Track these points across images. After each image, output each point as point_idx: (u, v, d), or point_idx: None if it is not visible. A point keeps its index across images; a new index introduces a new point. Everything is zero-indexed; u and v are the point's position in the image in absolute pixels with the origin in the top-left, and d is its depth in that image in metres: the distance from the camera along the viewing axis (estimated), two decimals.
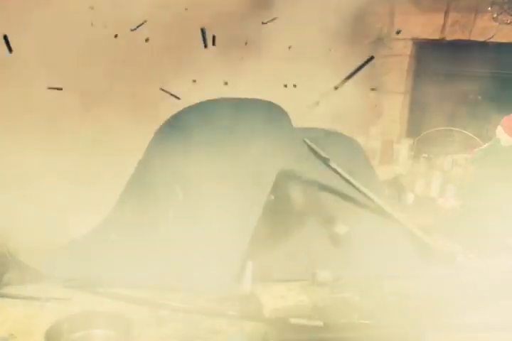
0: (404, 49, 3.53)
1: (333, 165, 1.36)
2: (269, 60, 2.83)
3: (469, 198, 1.49)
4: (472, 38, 3.24)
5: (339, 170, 1.34)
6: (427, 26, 3.41)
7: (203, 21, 2.63)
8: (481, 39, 3.20)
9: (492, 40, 3.16)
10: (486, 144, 1.47)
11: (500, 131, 1.73)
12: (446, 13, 3.32)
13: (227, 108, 1.46)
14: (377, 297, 1.24)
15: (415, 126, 3.67)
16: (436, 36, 3.38)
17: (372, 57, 1.31)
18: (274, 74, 2.80)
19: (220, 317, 1.67)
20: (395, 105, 3.64)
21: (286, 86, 2.98)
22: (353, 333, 1.19)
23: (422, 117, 3.71)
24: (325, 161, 1.35)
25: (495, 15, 3.12)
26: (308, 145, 1.36)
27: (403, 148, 2.86)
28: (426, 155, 2.98)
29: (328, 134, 1.47)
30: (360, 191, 1.31)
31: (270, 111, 1.43)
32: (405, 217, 1.38)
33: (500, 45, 3.18)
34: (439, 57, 3.52)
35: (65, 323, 1.59)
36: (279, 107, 1.44)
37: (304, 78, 2.81)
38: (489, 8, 3.13)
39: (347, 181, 1.33)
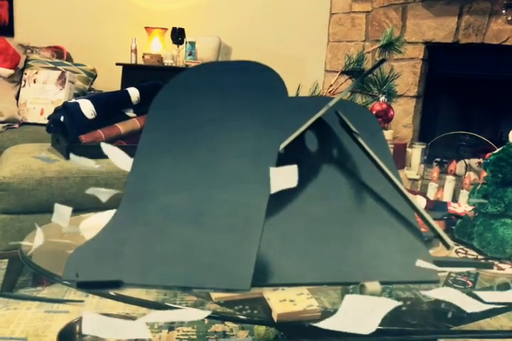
0: (416, 52, 3.52)
1: (361, 141, 1.27)
2: None
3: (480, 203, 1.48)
4: (486, 42, 3.21)
5: (366, 146, 1.24)
6: (440, 30, 3.39)
7: None
8: (495, 42, 3.17)
9: (506, 43, 3.12)
10: (499, 149, 1.45)
11: None
12: (460, 16, 3.30)
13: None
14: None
15: (428, 130, 3.65)
16: (449, 40, 3.36)
17: (383, 60, 1.30)
18: None
19: (230, 321, 1.69)
20: (408, 109, 3.63)
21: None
22: (361, 338, 1.19)
23: (434, 121, 3.69)
24: (353, 136, 1.28)
25: (509, 18, 3.09)
26: (340, 118, 1.29)
27: (416, 152, 2.85)
28: (439, 160, 2.97)
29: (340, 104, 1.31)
30: (383, 172, 1.22)
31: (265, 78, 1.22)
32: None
33: None
34: (452, 60, 3.50)
35: (78, 325, 1.62)
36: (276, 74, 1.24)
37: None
38: (503, 11, 3.10)
39: (372, 160, 1.22)
